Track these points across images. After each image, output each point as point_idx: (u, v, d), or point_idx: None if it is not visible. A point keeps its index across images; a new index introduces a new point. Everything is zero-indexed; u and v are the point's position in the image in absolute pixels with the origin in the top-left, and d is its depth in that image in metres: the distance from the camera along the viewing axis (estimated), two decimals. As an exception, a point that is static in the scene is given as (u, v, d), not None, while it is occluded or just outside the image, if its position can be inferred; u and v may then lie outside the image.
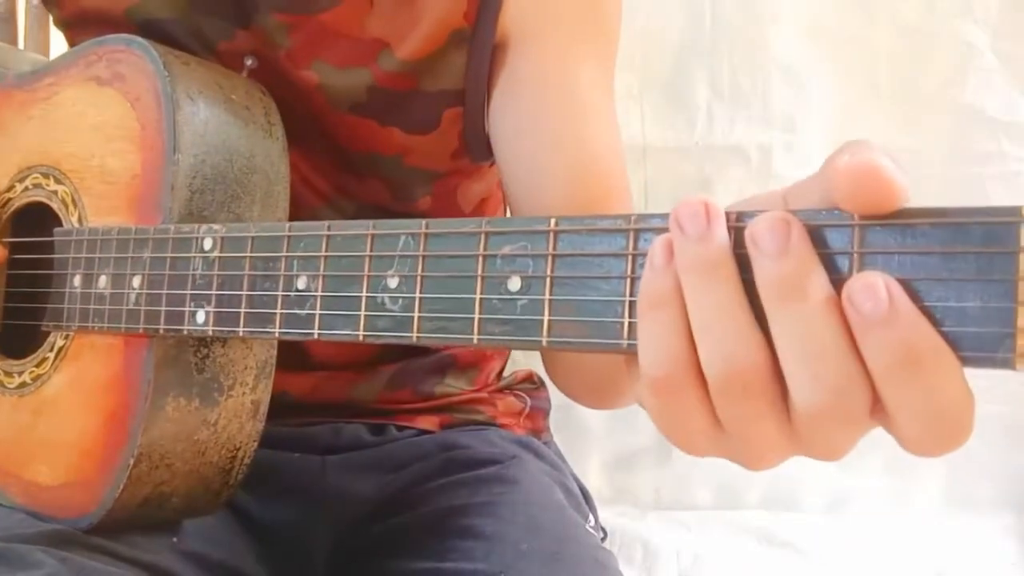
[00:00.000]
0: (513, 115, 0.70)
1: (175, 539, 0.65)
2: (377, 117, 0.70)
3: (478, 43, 0.68)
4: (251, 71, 0.69)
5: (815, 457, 0.37)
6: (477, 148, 0.73)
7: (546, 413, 0.89)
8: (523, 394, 0.86)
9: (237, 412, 0.61)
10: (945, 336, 0.32)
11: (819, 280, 0.33)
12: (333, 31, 0.67)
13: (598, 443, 1.31)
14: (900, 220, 0.33)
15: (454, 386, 0.82)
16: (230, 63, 0.69)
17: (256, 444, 0.63)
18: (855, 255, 0.34)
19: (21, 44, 1.06)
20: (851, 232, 0.34)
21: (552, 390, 0.91)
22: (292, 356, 0.75)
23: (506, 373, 0.89)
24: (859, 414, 0.34)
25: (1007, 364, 0.31)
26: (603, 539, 0.83)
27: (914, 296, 0.32)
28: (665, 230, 0.37)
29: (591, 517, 0.81)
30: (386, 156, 0.72)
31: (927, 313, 0.32)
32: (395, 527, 0.71)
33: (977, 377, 1.12)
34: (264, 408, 0.63)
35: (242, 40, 0.69)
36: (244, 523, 0.73)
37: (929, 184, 1.22)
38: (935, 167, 1.22)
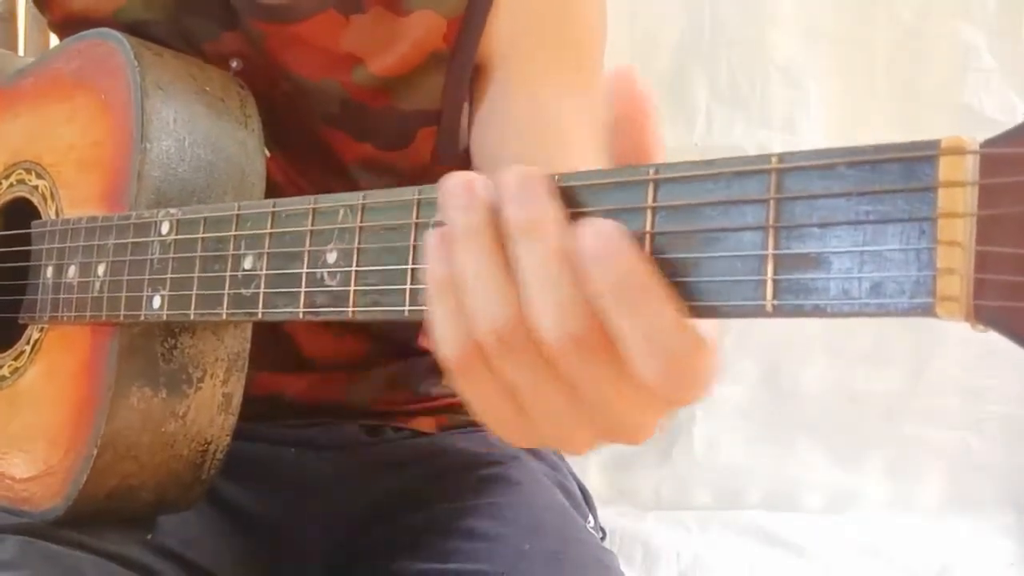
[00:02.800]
0: (487, 137, 0.70)
1: (149, 536, 0.65)
2: (350, 131, 0.70)
3: (457, 65, 0.69)
4: (236, 73, 0.69)
5: (614, 436, 0.38)
6: (448, 160, 0.73)
7: (545, 413, 0.89)
8: (521, 395, 0.86)
9: (207, 405, 0.61)
10: (665, 279, 0.33)
11: (553, 225, 0.35)
12: (307, 42, 0.68)
13: (598, 443, 1.31)
14: (817, 161, 0.31)
15: (452, 387, 0.82)
16: (216, 65, 0.69)
17: (229, 439, 0.63)
18: (772, 201, 0.32)
19: (21, 44, 1.06)
20: (768, 178, 0.32)
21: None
22: (287, 357, 0.75)
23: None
24: (598, 351, 0.35)
25: (928, 310, 0.29)
26: (602, 539, 0.83)
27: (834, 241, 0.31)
28: (589, 187, 0.36)
29: (591, 517, 0.81)
30: (361, 166, 0.72)
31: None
32: (397, 528, 0.71)
33: (980, 377, 1.12)
34: (237, 402, 0.62)
35: (228, 42, 0.69)
36: (238, 521, 0.73)
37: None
38: (934, 167, 1.23)
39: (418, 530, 0.70)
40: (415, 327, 0.79)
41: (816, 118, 1.26)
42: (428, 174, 0.73)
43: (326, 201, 0.45)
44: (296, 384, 0.77)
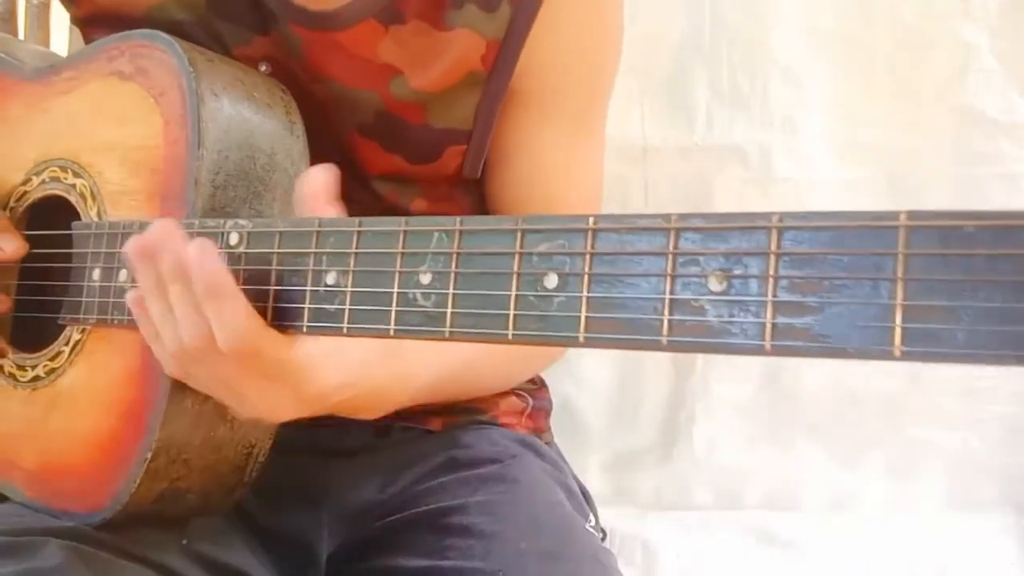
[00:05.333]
0: (498, 170, 0.74)
1: (185, 541, 0.65)
2: (382, 141, 0.71)
3: (492, 88, 0.70)
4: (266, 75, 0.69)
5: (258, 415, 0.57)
6: (472, 173, 0.75)
7: (547, 413, 0.89)
8: (525, 394, 0.86)
9: None
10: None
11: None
12: (347, 50, 0.68)
13: (598, 443, 1.31)
14: (946, 221, 0.34)
15: None
16: None
17: (271, 441, 0.63)
18: (902, 256, 0.35)
19: (21, 44, 1.06)
20: (896, 233, 0.35)
21: (552, 389, 0.91)
22: None
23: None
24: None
25: None
26: (602, 539, 0.83)
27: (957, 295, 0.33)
28: (706, 230, 0.39)
29: (591, 517, 0.81)
30: (388, 177, 0.73)
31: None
32: (395, 525, 0.72)
33: (980, 377, 1.12)
34: None
35: (259, 46, 0.69)
36: (249, 525, 0.73)
37: (928, 185, 1.22)
38: (934, 168, 1.22)
39: (416, 527, 0.70)
40: None
41: (817, 118, 1.26)
42: (453, 186, 0.74)
43: (418, 224, 0.47)
44: None
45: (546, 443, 0.86)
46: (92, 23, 0.73)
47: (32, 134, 0.71)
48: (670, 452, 1.30)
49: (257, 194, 0.61)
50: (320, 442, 0.77)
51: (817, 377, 1.27)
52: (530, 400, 0.86)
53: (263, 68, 0.69)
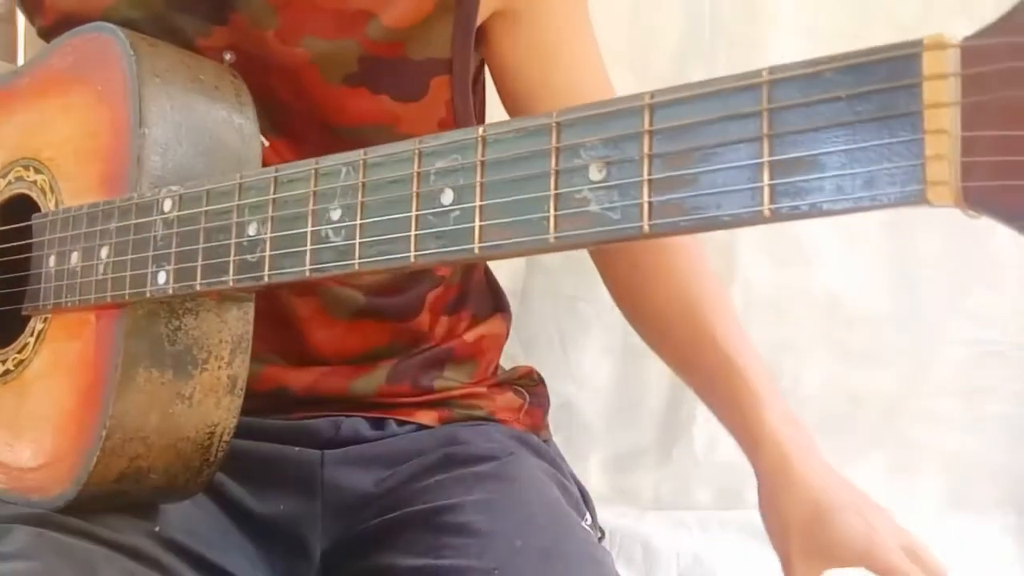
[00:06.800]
0: (516, 76, 0.75)
1: (157, 528, 0.65)
2: (369, 85, 0.71)
3: (462, 13, 0.71)
4: (230, 65, 0.70)
5: None
6: (464, 117, 0.75)
7: (545, 411, 0.89)
8: (522, 390, 0.86)
9: (213, 386, 0.61)
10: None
11: None
12: (319, 6, 0.69)
13: (598, 443, 1.31)
14: (806, 70, 0.33)
15: (453, 379, 0.82)
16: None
17: (235, 421, 0.63)
18: (765, 112, 0.34)
19: (21, 44, 1.07)
20: (760, 91, 0.34)
21: (552, 389, 0.91)
22: (292, 350, 0.76)
23: (505, 368, 0.89)
24: None
25: (920, 197, 0.31)
26: (600, 539, 0.83)
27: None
28: (585, 120, 0.39)
29: (588, 516, 0.80)
30: (378, 127, 0.73)
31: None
32: (391, 523, 0.72)
33: (979, 378, 1.11)
34: (242, 384, 0.62)
35: (219, 36, 0.70)
36: (240, 518, 0.73)
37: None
38: (934, 167, 1.23)
39: (412, 525, 0.70)
40: (425, 316, 0.79)
41: (816, 118, 1.26)
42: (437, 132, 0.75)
43: (328, 161, 0.47)
44: (300, 378, 0.77)
45: (544, 440, 0.86)
46: (56, 32, 0.74)
47: (1, 140, 0.72)
48: (670, 452, 1.30)
49: (203, 172, 0.61)
50: (315, 434, 0.77)
51: (817, 377, 1.27)
52: (527, 396, 0.86)
53: (228, 57, 0.70)
